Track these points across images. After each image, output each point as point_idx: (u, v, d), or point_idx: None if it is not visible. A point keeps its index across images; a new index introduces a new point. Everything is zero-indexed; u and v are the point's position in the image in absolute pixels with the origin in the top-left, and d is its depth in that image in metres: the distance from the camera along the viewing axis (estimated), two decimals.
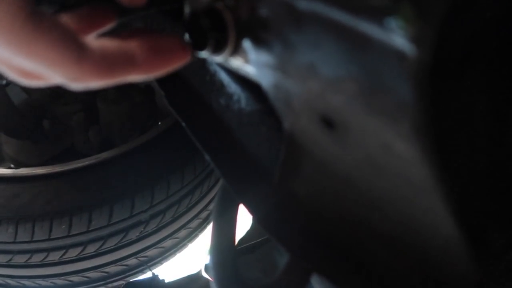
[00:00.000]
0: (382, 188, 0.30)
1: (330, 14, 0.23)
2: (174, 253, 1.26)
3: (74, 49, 0.28)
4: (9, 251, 0.98)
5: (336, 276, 0.37)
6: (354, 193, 0.34)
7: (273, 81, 0.31)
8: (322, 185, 0.36)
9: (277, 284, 0.42)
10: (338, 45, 0.24)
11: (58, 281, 1.08)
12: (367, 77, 0.23)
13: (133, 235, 1.08)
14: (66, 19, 0.34)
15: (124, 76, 0.31)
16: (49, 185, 0.99)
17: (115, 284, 1.18)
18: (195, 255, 1.39)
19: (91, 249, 1.03)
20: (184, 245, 1.28)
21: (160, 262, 1.24)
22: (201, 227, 1.30)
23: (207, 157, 0.47)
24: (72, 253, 1.02)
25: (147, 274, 1.20)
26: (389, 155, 0.26)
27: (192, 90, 0.53)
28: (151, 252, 1.17)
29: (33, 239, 0.97)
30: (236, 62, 0.35)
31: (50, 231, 0.97)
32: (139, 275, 1.21)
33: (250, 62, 0.33)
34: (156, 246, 1.17)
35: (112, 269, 1.12)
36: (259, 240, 0.87)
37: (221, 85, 0.46)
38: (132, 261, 1.15)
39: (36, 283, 1.08)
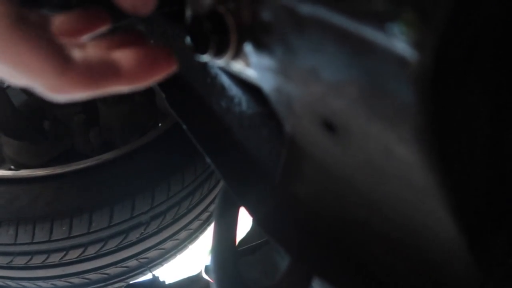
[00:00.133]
0: (383, 191, 0.30)
1: (332, 19, 0.23)
2: (174, 255, 1.26)
3: (58, 59, 0.28)
4: (9, 253, 0.98)
5: (337, 278, 0.37)
6: (355, 195, 0.34)
7: (275, 85, 0.31)
8: (323, 187, 0.37)
9: (278, 286, 0.42)
10: (340, 50, 0.24)
11: (59, 282, 1.08)
12: (369, 82, 0.23)
13: (133, 236, 1.08)
14: (60, 20, 0.34)
15: (107, 88, 0.31)
16: (49, 187, 0.99)
17: (115, 285, 1.18)
18: (196, 256, 1.39)
19: (91, 250, 1.03)
20: (185, 247, 1.28)
21: (160, 264, 1.24)
22: (201, 228, 1.30)
23: (208, 159, 0.47)
24: (73, 254, 1.02)
25: (148, 276, 1.20)
26: (390, 158, 0.26)
27: (193, 92, 0.53)
28: (151, 254, 1.17)
29: (34, 241, 0.97)
30: (238, 66, 0.35)
31: (51, 232, 0.97)
32: (140, 277, 1.21)
33: (252, 66, 0.33)
34: (157, 247, 1.17)
35: (112, 270, 1.12)
36: (259, 241, 0.87)
37: (222, 88, 0.46)
38: (133, 263, 1.15)
39: (37, 285, 1.08)
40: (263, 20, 0.29)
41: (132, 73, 0.31)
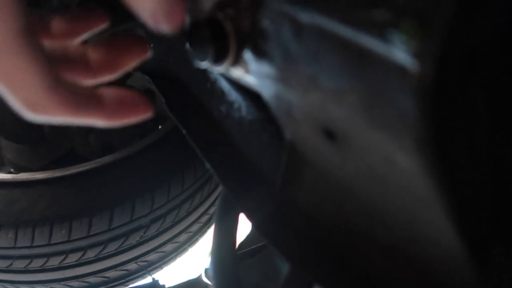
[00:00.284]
0: (384, 199, 0.30)
1: (331, 27, 0.23)
2: (174, 258, 1.26)
3: (49, 77, 0.27)
4: (9, 257, 0.98)
5: (337, 286, 0.37)
6: (355, 203, 0.34)
7: (274, 92, 0.31)
8: (323, 194, 0.36)
9: None
10: (339, 58, 0.24)
11: (58, 286, 1.07)
12: (369, 91, 0.23)
13: (133, 239, 1.07)
14: (58, 20, 0.34)
15: (85, 118, 0.30)
16: (49, 190, 0.99)
17: None
18: (196, 259, 1.39)
19: (91, 254, 1.02)
20: (185, 250, 1.28)
21: (160, 267, 1.24)
22: (201, 231, 1.30)
23: (207, 165, 0.46)
24: (72, 258, 1.01)
25: (147, 279, 1.20)
26: (391, 168, 0.26)
27: (192, 97, 0.53)
28: (151, 257, 1.17)
29: (33, 244, 0.97)
30: (237, 72, 0.34)
31: (50, 236, 0.97)
32: (139, 280, 1.21)
33: (251, 73, 0.32)
34: (157, 250, 1.17)
35: (112, 274, 1.12)
36: (259, 244, 0.87)
37: (222, 93, 0.46)
38: (132, 266, 1.14)
39: None
40: (262, 28, 0.28)
41: (112, 111, 0.32)
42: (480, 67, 0.22)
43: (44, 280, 1.05)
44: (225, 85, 0.46)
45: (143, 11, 0.27)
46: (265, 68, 0.30)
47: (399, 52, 0.20)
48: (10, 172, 1.12)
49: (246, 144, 0.45)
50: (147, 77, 0.60)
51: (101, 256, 1.05)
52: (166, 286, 1.10)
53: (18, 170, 1.20)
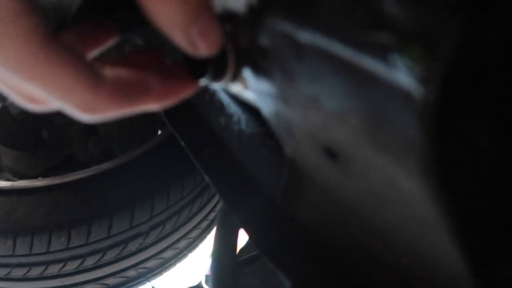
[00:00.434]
0: (386, 219, 0.30)
1: (332, 48, 0.22)
2: (174, 264, 1.25)
3: (90, 76, 0.26)
4: (7, 265, 0.97)
5: None
6: (357, 221, 0.33)
7: (273, 109, 0.31)
8: (325, 211, 0.36)
9: None
10: (341, 80, 0.23)
11: None
12: (371, 113, 0.23)
13: (132, 246, 1.06)
14: (66, 36, 0.33)
15: (138, 105, 0.29)
16: (47, 198, 0.98)
17: None
18: (196, 265, 1.38)
19: (90, 261, 1.02)
20: (184, 256, 1.27)
21: (160, 273, 1.23)
22: (201, 237, 1.29)
23: (206, 178, 0.46)
24: (71, 266, 1.01)
25: (147, 286, 1.19)
26: (393, 189, 0.26)
27: (191, 108, 0.52)
28: (151, 263, 1.16)
29: (32, 252, 0.96)
30: (236, 88, 0.34)
31: (49, 244, 0.96)
32: (139, 287, 1.20)
33: (250, 89, 0.32)
34: (156, 257, 1.16)
35: (111, 281, 1.11)
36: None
37: (221, 105, 0.46)
38: (132, 273, 1.14)
39: None
40: (261, 45, 0.28)
41: (162, 90, 0.30)
42: (484, 90, 0.21)
43: None
44: (224, 97, 0.45)
45: (175, 32, 0.25)
46: (264, 86, 0.29)
47: (403, 76, 0.20)
48: (8, 180, 1.11)
49: (245, 157, 0.44)
50: None
51: (100, 263, 1.04)
52: None
53: (17, 176, 1.20)
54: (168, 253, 1.19)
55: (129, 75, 0.29)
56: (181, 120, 0.53)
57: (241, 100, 0.38)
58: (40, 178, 1.16)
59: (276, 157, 0.40)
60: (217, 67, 0.31)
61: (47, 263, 0.99)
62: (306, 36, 0.24)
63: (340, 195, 0.32)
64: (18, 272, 0.99)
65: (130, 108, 0.29)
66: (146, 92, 0.29)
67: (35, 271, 0.99)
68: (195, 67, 0.31)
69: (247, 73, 0.31)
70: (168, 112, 0.54)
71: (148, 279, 1.18)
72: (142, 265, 1.14)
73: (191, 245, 1.26)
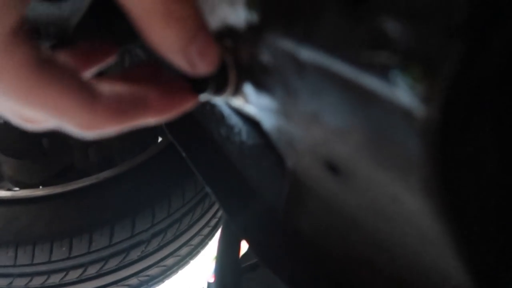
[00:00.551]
0: (390, 233, 0.29)
1: (333, 66, 0.22)
2: (176, 271, 1.25)
3: (86, 95, 0.26)
4: (9, 275, 0.97)
5: None
6: (361, 233, 0.33)
7: (275, 124, 0.30)
8: (327, 223, 0.36)
9: None
10: (342, 98, 0.23)
11: None
12: (373, 131, 0.22)
13: (134, 255, 1.06)
14: (65, 55, 0.33)
15: (137, 120, 0.29)
16: (48, 207, 0.98)
17: None
18: (198, 272, 1.38)
19: (92, 270, 1.02)
20: (186, 263, 1.27)
21: (162, 281, 1.23)
22: (203, 243, 1.29)
23: (208, 190, 0.46)
24: (73, 275, 1.00)
25: None
26: (397, 205, 0.25)
27: (192, 119, 0.52)
28: (152, 271, 1.16)
29: (34, 262, 0.96)
30: (237, 102, 0.34)
31: (51, 253, 0.96)
32: None
33: (251, 104, 0.32)
34: (158, 265, 1.16)
35: None
36: None
37: (222, 116, 0.46)
38: (134, 281, 1.13)
39: None
40: (262, 61, 0.28)
41: (161, 104, 0.30)
42: (486, 107, 0.21)
43: None
44: (225, 108, 0.45)
45: (174, 54, 0.25)
46: (265, 100, 0.29)
47: (405, 95, 0.20)
48: (9, 189, 1.11)
49: (246, 168, 0.44)
50: None
51: (102, 272, 1.04)
52: None
53: (18, 185, 1.20)
54: (170, 261, 1.18)
55: (127, 90, 0.29)
56: (181, 131, 0.53)
57: (242, 112, 0.38)
58: (41, 187, 1.16)
59: (277, 169, 0.40)
60: (218, 82, 0.31)
61: (49, 273, 0.98)
62: (306, 54, 0.24)
63: (343, 208, 0.32)
64: (20, 282, 0.99)
65: (128, 123, 0.29)
66: (144, 107, 0.29)
67: (37, 281, 0.99)
68: (196, 82, 0.31)
69: (248, 87, 0.31)
70: (169, 122, 0.54)
71: (150, 287, 1.18)
72: (144, 273, 1.14)
73: (193, 252, 1.26)
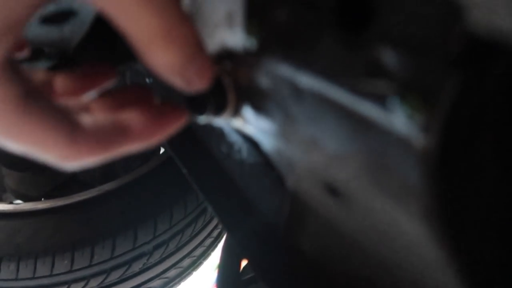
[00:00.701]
0: (390, 255, 0.29)
1: (331, 94, 0.22)
2: (178, 283, 1.25)
3: (66, 129, 0.26)
4: None
5: None
6: (361, 254, 0.33)
7: (274, 146, 0.30)
8: (328, 242, 0.35)
9: None
10: (340, 124, 0.23)
11: None
12: (372, 158, 0.22)
13: (136, 267, 1.06)
14: (62, 79, 0.33)
15: (121, 149, 0.29)
16: (50, 220, 0.98)
17: None
18: (200, 283, 1.37)
19: (93, 283, 1.01)
20: (189, 274, 1.26)
21: None
22: (205, 254, 1.28)
23: (209, 208, 0.46)
24: None
25: None
26: (397, 229, 0.25)
27: (192, 135, 0.52)
28: (155, 283, 1.16)
29: (35, 276, 0.96)
30: (237, 123, 0.34)
31: (52, 266, 0.96)
32: None
33: (251, 126, 0.32)
34: (160, 276, 1.15)
35: None
36: None
37: (222, 134, 0.46)
38: None
39: None
40: (260, 85, 0.28)
41: (143, 131, 0.29)
42: (485, 134, 0.21)
43: None
44: (225, 126, 0.45)
45: (173, 76, 0.25)
46: (264, 123, 0.29)
47: (403, 124, 0.20)
48: (11, 202, 1.12)
49: (246, 185, 0.44)
50: None
51: (104, 285, 1.03)
52: None
53: (20, 198, 1.20)
54: (172, 273, 1.18)
55: (110, 119, 0.29)
56: (182, 147, 0.53)
57: (242, 132, 0.38)
58: (43, 199, 1.16)
59: (278, 187, 0.40)
60: (217, 103, 0.31)
61: (50, 286, 0.98)
62: (304, 80, 0.24)
63: (343, 229, 0.32)
64: None
65: (112, 153, 0.29)
66: (127, 136, 0.29)
67: None
68: (195, 104, 0.31)
69: (247, 110, 0.31)
70: (171, 139, 0.54)
71: None
72: (146, 285, 1.13)
73: (195, 264, 1.25)
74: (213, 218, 1.23)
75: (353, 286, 0.35)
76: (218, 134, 0.47)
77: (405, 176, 0.21)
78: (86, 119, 0.28)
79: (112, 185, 1.04)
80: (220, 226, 1.28)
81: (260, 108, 0.29)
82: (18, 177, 1.19)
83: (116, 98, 0.32)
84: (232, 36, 0.29)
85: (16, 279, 0.95)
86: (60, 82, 0.32)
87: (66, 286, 0.99)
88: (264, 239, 0.41)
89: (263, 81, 0.27)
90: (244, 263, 0.78)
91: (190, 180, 0.50)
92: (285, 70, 0.25)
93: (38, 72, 0.32)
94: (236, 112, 0.32)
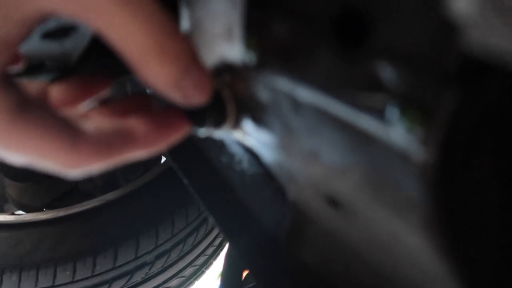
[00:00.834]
0: (392, 265, 0.29)
1: (330, 108, 0.22)
2: None
3: (68, 136, 0.26)
4: None
5: None
6: (363, 265, 0.33)
7: (275, 158, 0.31)
8: (329, 253, 0.35)
9: None
10: (339, 137, 0.23)
11: None
12: (371, 171, 0.23)
13: (138, 277, 1.06)
14: (58, 89, 0.33)
15: (124, 155, 0.29)
16: (52, 231, 0.98)
17: None
18: None
19: None
20: (191, 283, 1.26)
21: None
22: (207, 263, 1.28)
23: (211, 219, 0.46)
24: None
25: None
26: (398, 241, 0.25)
27: (193, 145, 0.52)
28: None
29: (37, 287, 0.95)
30: (237, 135, 0.34)
31: (54, 277, 0.96)
32: None
33: (251, 138, 0.32)
34: (162, 286, 1.15)
35: None
36: None
37: (222, 144, 0.46)
38: None
39: None
40: (260, 98, 0.28)
41: (148, 138, 0.29)
42: (485, 146, 0.21)
43: None
44: (226, 137, 0.45)
45: (168, 90, 0.25)
46: (264, 136, 0.30)
47: (402, 138, 0.20)
48: (13, 213, 1.12)
49: (247, 196, 0.44)
50: None
51: None
52: None
53: (22, 208, 1.20)
54: (174, 282, 1.17)
55: (112, 126, 0.29)
56: (183, 157, 0.54)
57: (243, 144, 0.38)
58: (44, 209, 1.16)
59: (279, 198, 0.40)
60: (217, 115, 0.31)
61: None
62: (303, 94, 0.24)
63: (344, 239, 0.32)
64: None
65: (114, 159, 0.28)
66: (130, 142, 0.29)
67: None
68: (195, 117, 0.31)
69: (247, 122, 0.31)
70: (172, 150, 0.55)
71: None
72: None
73: (198, 273, 1.25)
74: (215, 227, 1.23)
75: None
76: (219, 145, 0.47)
77: (405, 189, 0.21)
78: (88, 126, 0.28)
79: (113, 195, 1.04)
80: (222, 235, 1.27)
81: (259, 120, 0.29)
82: (19, 188, 1.19)
83: (117, 106, 0.32)
84: (231, 50, 0.29)
85: None
86: (55, 92, 0.33)
87: None
88: (265, 249, 0.41)
89: (263, 94, 0.27)
90: (246, 272, 0.78)
91: (191, 190, 0.50)
92: (284, 84, 0.25)
93: (33, 83, 0.32)
94: (236, 125, 0.32)
